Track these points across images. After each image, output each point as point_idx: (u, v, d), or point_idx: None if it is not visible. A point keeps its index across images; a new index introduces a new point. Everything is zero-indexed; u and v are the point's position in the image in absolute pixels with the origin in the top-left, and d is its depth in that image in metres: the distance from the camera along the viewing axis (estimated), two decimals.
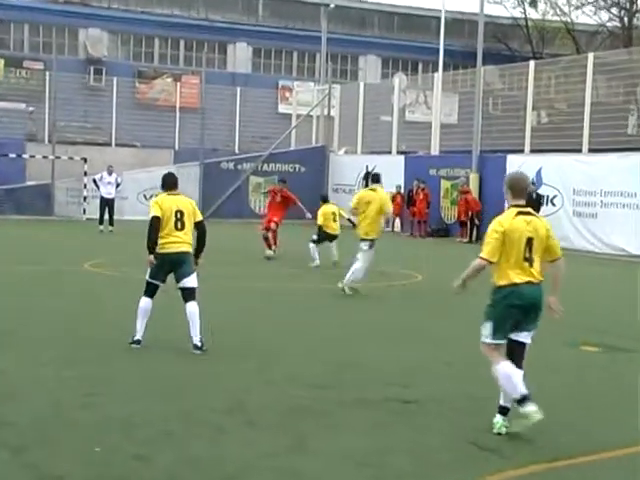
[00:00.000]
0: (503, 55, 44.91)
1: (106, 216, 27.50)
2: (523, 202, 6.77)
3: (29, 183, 33.03)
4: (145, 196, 33.86)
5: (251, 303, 13.24)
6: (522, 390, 6.51)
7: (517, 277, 6.61)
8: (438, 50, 38.62)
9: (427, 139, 31.92)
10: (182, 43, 48.52)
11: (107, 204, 27.66)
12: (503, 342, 6.69)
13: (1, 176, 31.53)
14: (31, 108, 35.27)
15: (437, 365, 9.18)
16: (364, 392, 7.81)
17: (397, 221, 31.17)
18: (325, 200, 19.35)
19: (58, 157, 32.86)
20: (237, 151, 37.90)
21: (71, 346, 9.47)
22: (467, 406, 7.46)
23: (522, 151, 27.42)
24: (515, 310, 6.60)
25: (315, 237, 18.63)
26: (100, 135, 37.58)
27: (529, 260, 6.63)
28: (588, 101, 25.30)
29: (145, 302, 9.49)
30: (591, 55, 25.98)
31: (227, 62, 49.38)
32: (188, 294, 9.41)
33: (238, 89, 39.62)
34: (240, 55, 49.21)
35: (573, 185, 25.26)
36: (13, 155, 32.49)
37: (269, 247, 20.00)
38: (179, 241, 9.41)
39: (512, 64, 31.17)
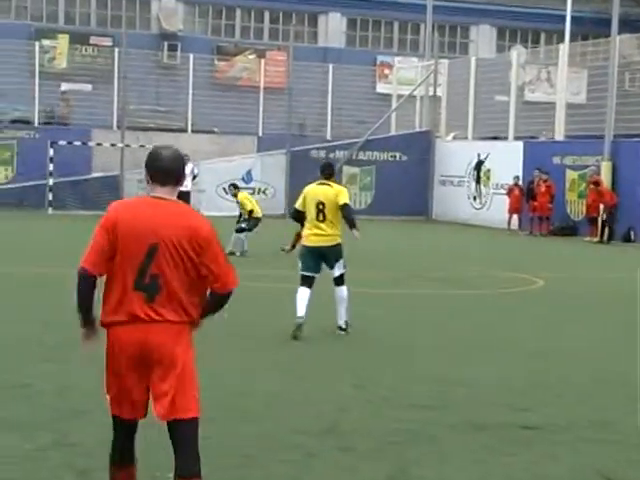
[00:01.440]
0: None
1: None
2: None
3: (95, 174, 33.81)
4: (225, 189, 34.27)
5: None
6: None
7: None
8: (564, 17, 37.93)
9: (550, 122, 31.45)
10: (267, 14, 48.96)
11: (182, 198, 27.89)
12: None
13: (64, 166, 32.32)
14: (64, 87, 35.91)
15: (557, 385, 9.03)
16: (474, 414, 7.75)
17: (515, 218, 30.81)
18: (237, 187, 21.84)
19: (128, 145, 33.55)
20: (329, 137, 38.05)
21: None
22: (595, 433, 7.31)
23: None
24: None
25: (245, 225, 20.48)
26: (174, 120, 38.19)
27: None
28: None
29: (303, 291, 10.77)
30: None
31: (318, 35, 49.61)
32: (336, 280, 11.02)
33: (330, 66, 39.74)
34: (333, 27, 49.36)
35: None
36: (78, 143, 33.32)
37: None
38: (320, 234, 10.84)
39: None
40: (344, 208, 10.84)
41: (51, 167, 32.07)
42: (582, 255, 24.43)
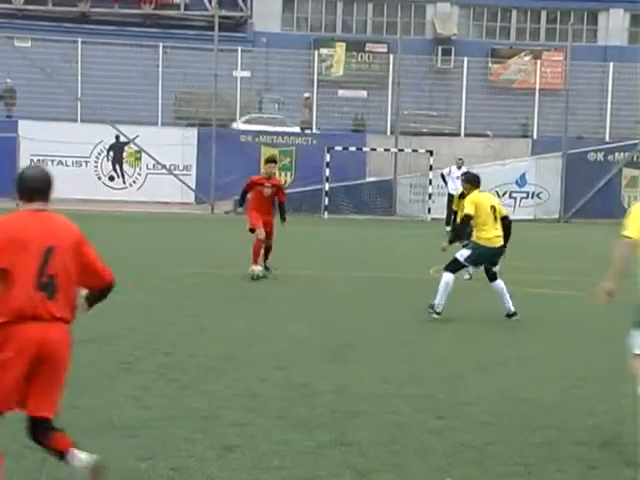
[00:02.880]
0: None
1: None
2: None
3: (369, 179, 34.51)
4: (498, 193, 34.07)
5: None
6: None
7: None
8: None
9: None
10: (544, 14, 48.09)
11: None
12: None
13: (340, 171, 33.21)
14: (307, 94, 36.67)
15: None
16: None
17: None
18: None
19: (401, 150, 34.03)
20: (607, 139, 36.87)
21: (416, 363, 9.75)
22: None
23: None
24: None
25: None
26: (447, 124, 38.31)
27: None
28: None
29: (448, 277, 12.05)
30: None
31: (598, 34, 48.17)
32: (491, 276, 12.31)
33: (610, 65, 38.44)
34: (614, 24, 47.73)
35: None
36: (353, 148, 34.14)
37: None
38: (499, 235, 12.10)
39: None
40: (506, 218, 12.29)
41: (327, 172, 33.05)
42: None
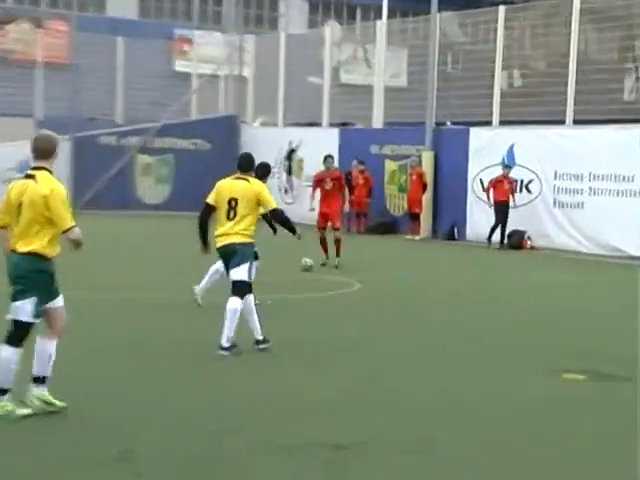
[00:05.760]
0: None
1: None
2: None
3: None
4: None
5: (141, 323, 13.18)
6: None
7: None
8: None
9: (368, 107, 31.94)
10: None
11: None
12: None
13: None
14: None
15: (385, 397, 9.22)
16: (282, 435, 7.82)
17: None
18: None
19: None
20: (120, 121, 37.63)
21: None
22: (418, 446, 7.52)
23: (489, 123, 27.77)
24: None
25: None
26: None
27: None
28: (574, 58, 25.71)
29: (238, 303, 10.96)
30: None
31: (106, 4, 48.93)
32: (233, 288, 11.03)
33: (120, 40, 39.26)
34: None
35: (554, 167, 25.67)
36: None
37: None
38: (227, 233, 10.99)
39: (476, 9, 31.21)
40: (274, 212, 11.35)
41: None
42: (402, 254, 24.98)
